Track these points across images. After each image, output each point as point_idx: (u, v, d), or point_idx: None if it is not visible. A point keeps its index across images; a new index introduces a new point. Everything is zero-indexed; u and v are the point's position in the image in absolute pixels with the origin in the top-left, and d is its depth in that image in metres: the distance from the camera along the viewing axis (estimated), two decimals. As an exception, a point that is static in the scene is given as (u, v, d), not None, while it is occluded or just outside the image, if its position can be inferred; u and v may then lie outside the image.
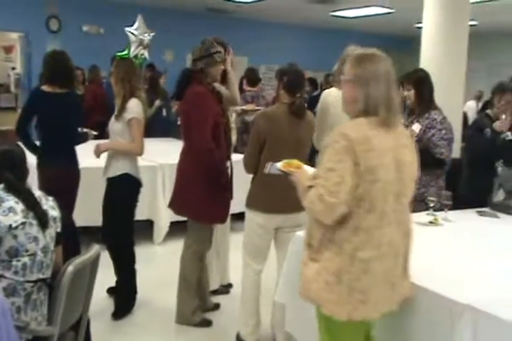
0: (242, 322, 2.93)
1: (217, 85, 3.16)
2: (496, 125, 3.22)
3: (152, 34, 5.03)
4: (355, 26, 10.95)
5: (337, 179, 1.68)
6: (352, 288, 1.73)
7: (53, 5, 8.29)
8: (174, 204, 3.16)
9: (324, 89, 3.39)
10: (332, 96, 3.10)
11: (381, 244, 1.74)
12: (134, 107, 3.19)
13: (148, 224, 4.69)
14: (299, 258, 2.42)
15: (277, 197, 2.75)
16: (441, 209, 2.80)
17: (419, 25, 5.80)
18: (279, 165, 2.08)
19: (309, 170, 2.01)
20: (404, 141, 1.84)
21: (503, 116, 3.19)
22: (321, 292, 1.76)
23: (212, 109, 2.98)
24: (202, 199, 3.00)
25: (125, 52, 4.70)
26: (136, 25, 4.94)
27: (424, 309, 1.86)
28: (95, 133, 3.77)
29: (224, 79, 3.23)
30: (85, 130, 3.70)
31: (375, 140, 1.72)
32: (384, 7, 8.79)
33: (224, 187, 3.08)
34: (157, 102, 6.44)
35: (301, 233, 2.53)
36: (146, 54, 4.86)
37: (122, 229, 3.34)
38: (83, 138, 3.65)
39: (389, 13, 9.42)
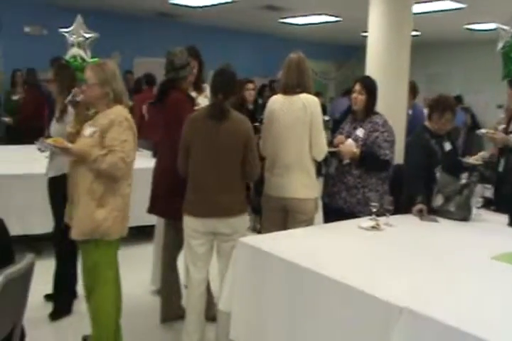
0: (186, 335, 2.84)
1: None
2: None
3: (91, 35, 4.91)
4: (302, 33, 11.10)
5: (130, 147, 2.57)
6: (125, 214, 2.67)
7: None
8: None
9: (269, 97, 3.38)
10: (278, 103, 3.12)
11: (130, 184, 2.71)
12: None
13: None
14: (245, 265, 2.43)
15: (206, 200, 2.73)
16: (383, 214, 2.86)
17: (366, 34, 5.94)
18: (49, 140, 2.61)
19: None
20: None
21: None
22: (111, 226, 2.58)
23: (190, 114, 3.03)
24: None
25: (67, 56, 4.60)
26: (73, 26, 4.82)
27: (362, 312, 1.88)
28: None
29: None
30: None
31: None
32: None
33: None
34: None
35: (244, 239, 2.53)
36: (83, 55, 4.73)
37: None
38: None
39: (337, 21, 9.61)
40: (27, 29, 8.49)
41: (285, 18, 9.59)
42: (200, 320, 2.85)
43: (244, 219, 2.85)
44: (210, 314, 3.09)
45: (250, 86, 5.45)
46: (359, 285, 1.92)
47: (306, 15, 9.28)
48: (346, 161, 3.26)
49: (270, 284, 2.30)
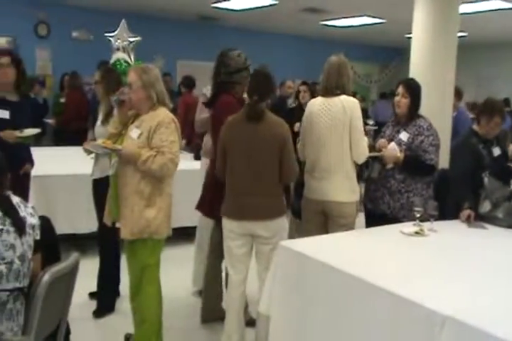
0: (225, 337, 2.85)
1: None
2: None
3: (134, 39, 4.99)
4: (344, 35, 11.00)
5: (177, 148, 2.65)
6: (170, 213, 2.72)
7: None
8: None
9: (309, 99, 3.35)
10: (317, 105, 3.09)
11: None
12: None
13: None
14: (285, 269, 2.42)
15: (244, 203, 2.72)
16: (427, 220, 2.79)
17: (410, 35, 5.82)
18: (99, 142, 2.66)
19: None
20: None
21: None
22: (161, 224, 2.64)
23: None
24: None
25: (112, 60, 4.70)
26: (118, 30, 4.91)
27: (405, 319, 1.83)
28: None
29: None
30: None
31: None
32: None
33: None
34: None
35: (285, 243, 2.52)
36: (128, 59, 4.81)
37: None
38: None
39: (380, 23, 9.47)
40: (75, 34, 8.75)
41: (327, 20, 9.52)
42: (240, 320, 2.85)
43: (284, 222, 2.83)
44: (245, 318, 3.08)
45: (303, 88, 5.25)
46: (402, 293, 1.87)
47: (348, 17, 9.19)
48: (390, 166, 3.19)
49: (310, 289, 2.28)
